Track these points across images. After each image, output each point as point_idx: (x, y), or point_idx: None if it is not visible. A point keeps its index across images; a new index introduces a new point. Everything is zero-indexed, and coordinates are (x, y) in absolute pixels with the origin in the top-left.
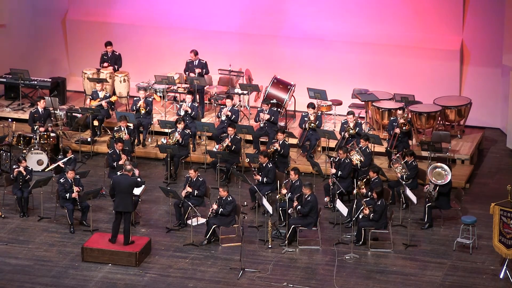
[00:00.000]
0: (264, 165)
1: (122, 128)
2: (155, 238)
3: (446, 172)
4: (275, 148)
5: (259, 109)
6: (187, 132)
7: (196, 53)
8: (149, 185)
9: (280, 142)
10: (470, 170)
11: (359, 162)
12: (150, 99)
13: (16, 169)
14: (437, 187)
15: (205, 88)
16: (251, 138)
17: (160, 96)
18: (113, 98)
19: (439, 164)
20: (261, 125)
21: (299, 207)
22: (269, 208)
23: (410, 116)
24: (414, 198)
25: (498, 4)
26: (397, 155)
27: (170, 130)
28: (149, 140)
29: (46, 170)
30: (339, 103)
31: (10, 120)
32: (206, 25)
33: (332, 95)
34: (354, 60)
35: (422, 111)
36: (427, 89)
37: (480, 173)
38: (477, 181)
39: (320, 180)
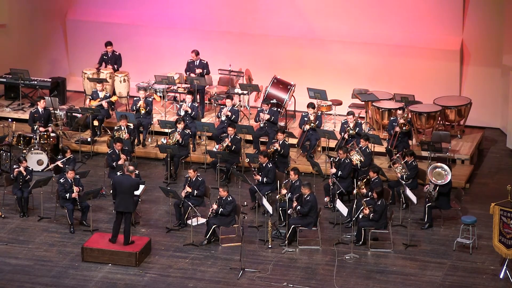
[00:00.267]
0: (264, 165)
1: (122, 127)
2: (155, 238)
3: (446, 172)
4: (275, 148)
5: (259, 109)
6: (187, 132)
7: (197, 53)
8: (149, 185)
9: (280, 142)
10: (470, 170)
11: (359, 162)
12: (150, 99)
13: (16, 169)
14: (437, 187)
15: (205, 88)
16: (251, 138)
17: (160, 96)
18: (113, 98)
19: (439, 164)
20: (261, 125)
21: (298, 207)
22: (269, 208)
23: (410, 116)
24: (414, 198)
25: (498, 4)
26: (397, 155)
27: (170, 130)
28: (149, 140)
29: (45, 170)
30: (339, 103)
31: (10, 120)
32: (206, 25)
33: (332, 95)
34: (354, 60)
35: (422, 111)
36: (427, 89)
37: (480, 173)
38: (477, 181)
39: (320, 180)
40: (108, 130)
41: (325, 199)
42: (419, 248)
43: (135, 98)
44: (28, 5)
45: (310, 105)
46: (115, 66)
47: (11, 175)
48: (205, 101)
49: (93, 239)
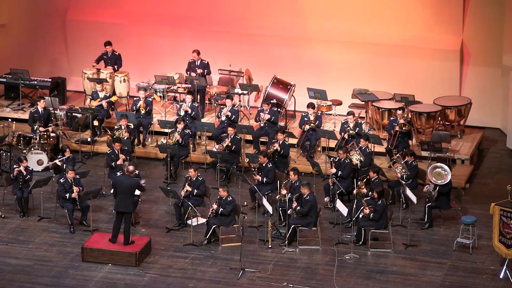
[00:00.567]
0: (264, 165)
1: (123, 127)
2: (155, 238)
3: (446, 172)
4: (275, 148)
5: (259, 108)
6: (187, 132)
7: (198, 53)
8: (149, 185)
9: (280, 142)
10: (470, 170)
11: (359, 162)
12: (150, 99)
13: (17, 169)
14: (437, 187)
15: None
16: (251, 138)
17: (160, 96)
18: (113, 98)
19: (439, 164)
20: (262, 124)
21: (298, 207)
22: (269, 208)
23: (410, 116)
24: (414, 198)
25: (498, 4)
26: (397, 155)
27: (170, 130)
28: (149, 140)
29: (45, 170)
30: (339, 103)
31: (10, 120)
32: (206, 25)
33: (332, 95)
34: (354, 60)
35: (422, 111)
36: (427, 89)
37: (480, 173)
38: (477, 181)
39: (320, 180)
40: (108, 130)
41: (325, 199)
42: (419, 248)
43: (135, 98)
44: (28, 5)
45: (310, 105)
46: (115, 66)
47: (11, 175)
48: (205, 101)
49: (93, 239)
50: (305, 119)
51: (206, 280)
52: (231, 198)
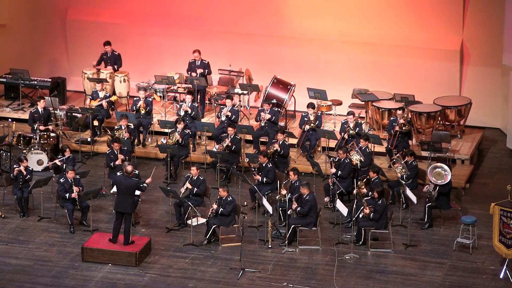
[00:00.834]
0: (264, 165)
1: (123, 127)
2: (155, 238)
3: (446, 172)
4: (275, 149)
5: (260, 108)
6: (187, 132)
7: (199, 53)
8: (149, 185)
9: (280, 142)
10: (470, 170)
11: (359, 162)
12: (150, 99)
13: (17, 168)
14: (437, 187)
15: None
16: (251, 138)
17: (160, 96)
18: (113, 98)
19: (439, 164)
20: (262, 124)
21: (298, 208)
22: (269, 208)
23: (410, 116)
24: (414, 198)
25: (498, 4)
26: (397, 155)
27: (170, 130)
28: (149, 140)
29: (45, 170)
30: (339, 103)
31: (10, 120)
32: (206, 25)
33: (332, 95)
34: (354, 60)
35: (422, 111)
36: (427, 89)
37: (480, 173)
38: (477, 181)
39: (320, 180)
40: (108, 130)
41: (325, 199)
42: (419, 248)
43: (135, 98)
44: (28, 5)
45: (310, 105)
46: (115, 66)
47: (11, 175)
48: (205, 101)
49: (93, 239)
50: (305, 119)
51: (206, 280)
52: (231, 198)
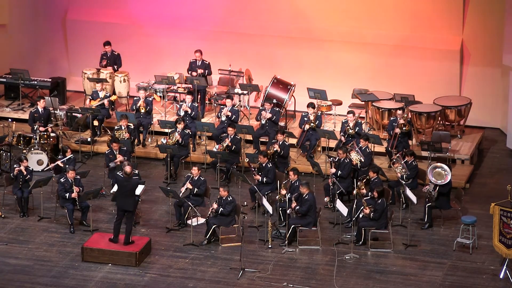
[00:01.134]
0: (264, 165)
1: (123, 127)
2: (155, 238)
3: (446, 172)
4: (275, 149)
5: (261, 107)
6: (187, 132)
7: (201, 53)
8: (149, 185)
9: (280, 143)
10: (470, 170)
11: (359, 162)
12: (150, 99)
13: (17, 168)
14: (437, 187)
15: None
16: (251, 138)
17: (160, 96)
18: (113, 97)
19: (439, 164)
20: (263, 122)
21: (297, 207)
22: (269, 208)
23: (410, 116)
24: (414, 198)
25: (498, 4)
26: (397, 155)
27: (170, 130)
28: (149, 140)
29: (45, 170)
30: (339, 103)
31: (10, 120)
32: (206, 25)
33: (332, 95)
34: (354, 60)
35: (422, 111)
36: (427, 89)
37: (480, 173)
38: (477, 181)
39: (320, 180)
40: (108, 130)
41: (325, 199)
42: (419, 248)
43: (135, 98)
44: (28, 5)
45: (310, 105)
46: (115, 66)
47: (12, 174)
48: (205, 101)
49: (93, 239)
50: (305, 119)
51: (206, 280)
52: (231, 198)
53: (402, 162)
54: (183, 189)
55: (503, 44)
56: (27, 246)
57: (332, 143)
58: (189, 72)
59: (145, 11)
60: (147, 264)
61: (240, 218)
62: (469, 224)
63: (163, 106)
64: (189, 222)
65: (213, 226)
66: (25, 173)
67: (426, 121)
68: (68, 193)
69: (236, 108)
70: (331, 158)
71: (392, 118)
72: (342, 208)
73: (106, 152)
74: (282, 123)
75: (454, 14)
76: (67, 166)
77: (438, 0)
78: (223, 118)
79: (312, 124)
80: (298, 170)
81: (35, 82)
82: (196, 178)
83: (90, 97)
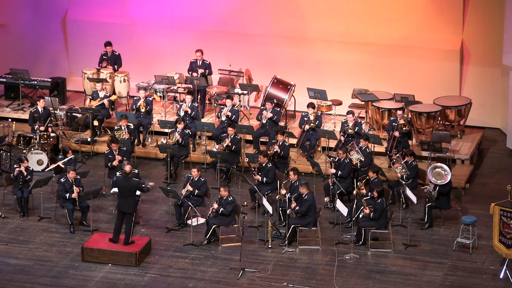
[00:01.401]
0: (263, 165)
1: (123, 127)
2: (155, 238)
3: (446, 172)
4: (275, 150)
5: (262, 107)
6: (187, 132)
7: (202, 53)
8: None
9: (280, 143)
10: (470, 170)
11: (359, 162)
12: (150, 99)
13: (17, 169)
14: (437, 187)
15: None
16: (251, 138)
17: (160, 96)
18: (113, 97)
19: (439, 164)
20: (263, 122)
21: (297, 208)
22: (269, 208)
23: (410, 116)
24: (414, 198)
25: (498, 4)
26: (397, 155)
27: (170, 130)
28: (149, 140)
29: (46, 170)
30: (339, 103)
31: (10, 120)
32: (206, 25)
33: (332, 95)
34: (354, 60)
35: (422, 111)
36: (427, 89)
37: (480, 173)
38: (477, 181)
39: (320, 180)
40: (108, 130)
41: (325, 199)
42: (419, 248)
43: (135, 98)
44: (28, 5)
45: (310, 105)
46: (115, 66)
47: (12, 175)
48: (205, 101)
49: (93, 239)
50: (305, 119)
51: (206, 280)
52: (232, 198)
53: (402, 162)
54: (184, 192)
55: (503, 44)
56: (27, 246)
57: (332, 143)
58: (190, 72)
59: (145, 11)
60: (147, 264)
61: (240, 218)
62: (469, 224)
63: (163, 106)
64: (189, 222)
65: (213, 226)
66: (25, 173)
67: (426, 121)
68: (68, 193)
69: (236, 108)
70: (331, 158)
71: (392, 118)
72: (342, 208)
73: (106, 152)
74: (282, 123)
75: (454, 14)
76: (67, 166)
77: (438, 0)
78: (223, 118)
79: (312, 124)
80: (298, 170)
81: (35, 82)
82: (196, 179)
83: (90, 97)
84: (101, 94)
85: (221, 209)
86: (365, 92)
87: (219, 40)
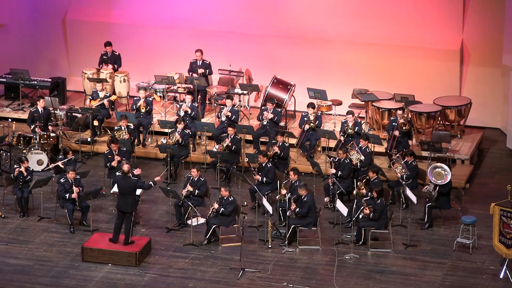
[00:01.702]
0: (263, 165)
1: (123, 127)
2: (155, 238)
3: (446, 172)
4: (274, 151)
5: (263, 107)
6: (187, 132)
7: (202, 53)
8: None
9: (280, 144)
10: (470, 170)
11: (359, 162)
12: (150, 99)
13: (18, 169)
14: (437, 187)
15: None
16: (251, 138)
17: (160, 96)
18: (113, 97)
19: (439, 164)
20: (264, 123)
21: (297, 209)
22: (269, 208)
23: (410, 116)
24: (414, 198)
25: (498, 4)
26: (397, 155)
27: (170, 130)
28: (149, 140)
29: (45, 170)
30: (339, 103)
31: (10, 120)
32: (206, 25)
33: (332, 95)
34: (354, 60)
35: (422, 111)
36: (427, 89)
37: (480, 173)
38: (477, 181)
39: (320, 180)
40: (108, 130)
41: (325, 199)
42: (419, 248)
43: (135, 98)
44: (28, 5)
45: (310, 105)
46: (115, 66)
47: (12, 175)
48: (206, 101)
49: (93, 239)
50: (305, 119)
51: (206, 280)
52: (232, 198)
53: (402, 162)
54: (184, 192)
55: (503, 44)
56: (27, 246)
57: (332, 143)
58: (190, 72)
59: (145, 11)
60: (147, 264)
61: (240, 218)
62: (469, 224)
63: (163, 106)
64: (189, 222)
65: (213, 226)
66: (25, 174)
67: (426, 121)
68: (68, 194)
69: (236, 108)
70: (331, 158)
71: (392, 118)
72: (342, 208)
73: (106, 152)
74: (282, 123)
75: (454, 14)
76: (67, 167)
77: (438, 0)
78: (223, 118)
79: (312, 124)
80: (298, 170)
81: (35, 82)
82: (196, 179)
83: (90, 97)
84: (101, 94)
85: (222, 209)
86: (365, 92)
87: (219, 40)
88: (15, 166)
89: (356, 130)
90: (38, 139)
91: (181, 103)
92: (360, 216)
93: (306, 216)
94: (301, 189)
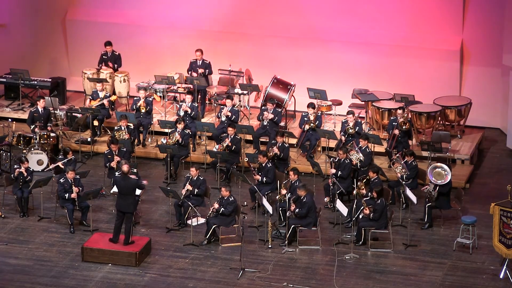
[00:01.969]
0: (263, 165)
1: (123, 128)
2: (155, 238)
3: (446, 172)
4: (274, 152)
5: (263, 107)
6: (187, 132)
7: (202, 52)
8: (149, 185)
9: (279, 144)
10: (470, 170)
11: (359, 162)
12: (150, 99)
13: (18, 169)
14: (437, 187)
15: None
16: (251, 138)
17: (160, 96)
18: (113, 98)
19: (439, 164)
20: (264, 123)
21: (297, 210)
22: (269, 208)
23: (410, 116)
24: (414, 198)
25: (498, 4)
26: (397, 155)
27: (170, 130)
28: (149, 140)
29: (45, 170)
30: (339, 103)
31: (10, 120)
32: (206, 25)
33: (332, 95)
34: (354, 60)
35: (422, 111)
36: (427, 89)
37: (480, 173)
38: (477, 181)
39: (320, 180)
40: (108, 130)
41: (325, 199)
42: (419, 248)
43: (135, 98)
44: (28, 5)
45: (310, 105)
46: (115, 66)
47: (12, 175)
48: (206, 101)
49: (93, 239)
50: (305, 119)
51: (206, 280)
52: (232, 198)
53: (402, 162)
54: (183, 191)
55: (503, 44)
56: (27, 246)
57: (332, 143)
58: (189, 72)
59: (145, 11)
60: (147, 264)
61: (240, 218)
62: (469, 224)
63: (163, 106)
64: (189, 222)
65: (213, 226)
66: (25, 174)
67: (426, 121)
68: (67, 194)
69: (236, 108)
70: (331, 158)
71: (392, 118)
72: (342, 208)
73: (105, 152)
74: (282, 123)
75: (454, 14)
76: (67, 167)
77: (438, 0)
78: (223, 118)
79: (312, 124)
80: (298, 170)
81: (35, 82)
82: (195, 179)
83: (90, 97)
84: (101, 94)
85: (222, 209)
86: (365, 92)
87: (219, 40)
88: (15, 166)
89: (356, 130)
90: (38, 139)
91: (181, 103)
92: (360, 216)
93: (306, 216)
94: (300, 189)
